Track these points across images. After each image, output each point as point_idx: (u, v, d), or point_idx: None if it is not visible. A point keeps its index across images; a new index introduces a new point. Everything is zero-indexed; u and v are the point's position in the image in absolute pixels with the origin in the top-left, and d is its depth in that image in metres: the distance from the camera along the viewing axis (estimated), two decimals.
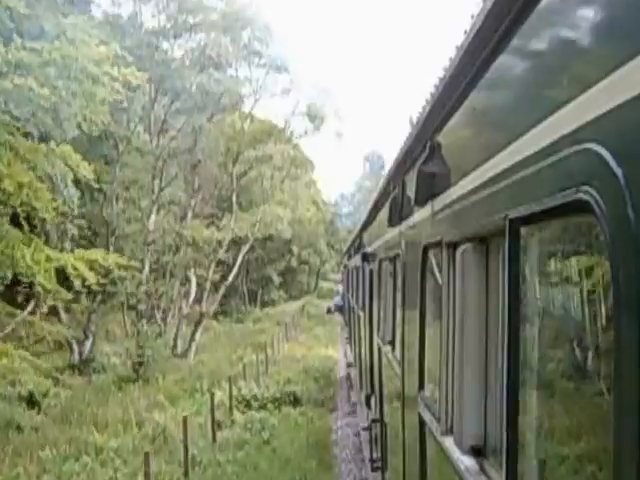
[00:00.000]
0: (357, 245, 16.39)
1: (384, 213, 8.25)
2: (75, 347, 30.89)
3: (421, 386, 4.76)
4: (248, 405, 21.15)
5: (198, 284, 39.21)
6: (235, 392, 21.17)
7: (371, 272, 11.06)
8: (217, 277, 42.28)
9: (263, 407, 21.01)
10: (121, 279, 30.96)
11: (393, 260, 7.24)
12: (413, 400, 5.02)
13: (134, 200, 35.97)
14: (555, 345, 2.46)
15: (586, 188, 1.75)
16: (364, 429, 12.56)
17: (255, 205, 44.27)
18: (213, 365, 30.46)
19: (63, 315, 30.86)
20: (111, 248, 30.94)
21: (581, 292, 2.15)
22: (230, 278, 40.73)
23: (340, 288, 41.78)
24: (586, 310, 2.09)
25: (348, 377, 23.68)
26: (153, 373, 27.97)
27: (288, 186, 50.37)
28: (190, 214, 37.73)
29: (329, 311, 38.20)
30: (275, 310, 61.88)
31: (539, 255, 2.50)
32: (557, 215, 2.12)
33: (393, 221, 6.85)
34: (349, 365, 23.14)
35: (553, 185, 2.01)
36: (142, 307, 33.50)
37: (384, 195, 8.59)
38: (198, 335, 36.35)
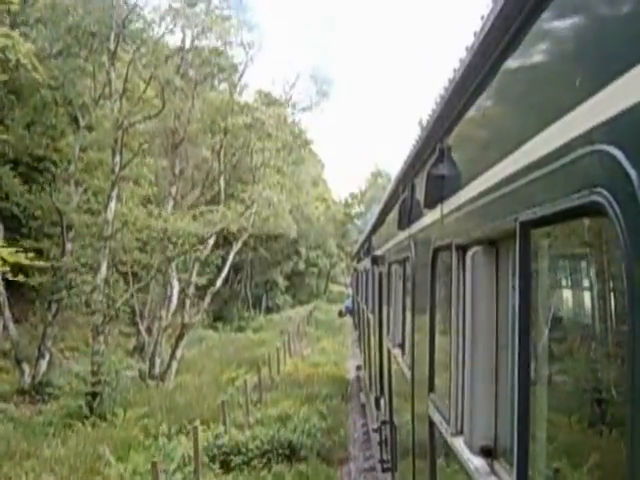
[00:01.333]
0: (366, 248, 16.38)
1: (393, 216, 8.25)
2: (26, 367, 24.87)
3: (431, 388, 4.76)
4: (226, 461, 15.32)
5: (183, 289, 32.63)
6: (212, 438, 16.32)
7: (380, 275, 11.06)
8: (208, 281, 36.93)
9: (247, 463, 15.19)
10: (75, 284, 25.50)
11: (402, 263, 7.23)
12: (423, 402, 5.02)
13: (97, 186, 29.37)
14: (566, 348, 2.46)
15: (599, 190, 1.73)
16: (374, 430, 12.54)
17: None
18: (195, 391, 24.47)
19: (12, 327, 25.31)
20: (69, 245, 26.61)
21: (593, 295, 2.15)
22: (218, 282, 33.68)
23: (350, 291, 40.53)
24: (598, 313, 2.09)
25: (357, 379, 23.69)
26: (111, 407, 21.74)
27: (287, 167, 43.08)
28: (171, 204, 31.06)
29: (341, 314, 38.34)
30: (280, 316, 57.02)
31: (550, 258, 2.49)
32: (569, 217, 2.11)
33: (402, 224, 6.84)
34: (358, 368, 23.14)
35: (565, 187, 2.00)
36: (99, 319, 25.13)
37: (393, 198, 8.59)
38: (180, 352, 29.71)
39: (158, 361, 29.21)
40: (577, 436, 2.29)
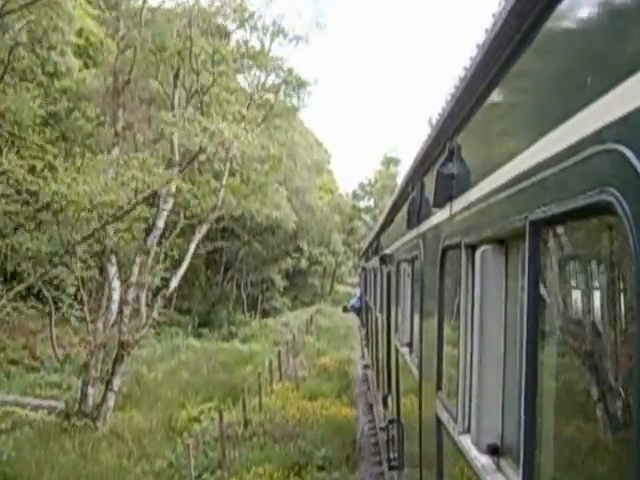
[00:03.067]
0: (375, 247, 16.40)
1: (402, 215, 8.26)
2: None
3: (438, 387, 4.77)
4: None
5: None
6: None
7: (389, 274, 11.06)
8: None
9: None
10: None
11: (411, 262, 7.24)
12: (430, 400, 5.03)
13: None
14: (574, 347, 2.46)
15: (610, 189, 1.74)
16: (381, 429, 12.56)
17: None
18: (132, 442, 17.58)
19: None
20: None
21: (603, 294, 2.14)
22: (173, 283, 24.12)
23: (357, 291, 38.51)
24: (608, 312, 2.09)
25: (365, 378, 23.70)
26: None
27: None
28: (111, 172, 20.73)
29: (345, 309, 38.11)
30: (276, 322, 48.17)
31: (560, 257, 2.49)
32: (579, 216, 2.11)
33: (411, 223, 6.85)
34: (366, 367, 23.14)
35: (576, 186, 2.00)
36: None
37: (402, 197, 8.60)
38: (117, 381, 20.95)
39: (92, 392, 20.79)
40: (583, 435, 2.29)
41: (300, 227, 52.14)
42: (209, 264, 51.05)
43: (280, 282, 58.79)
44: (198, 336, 41.21)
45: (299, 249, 60.25)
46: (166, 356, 31.96)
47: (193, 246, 26.77)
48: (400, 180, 9.51)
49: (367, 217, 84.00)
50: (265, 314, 54.05)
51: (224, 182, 26.31)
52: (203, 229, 26.93)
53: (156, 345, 34.39)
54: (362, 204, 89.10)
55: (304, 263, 63.00)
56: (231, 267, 52.65)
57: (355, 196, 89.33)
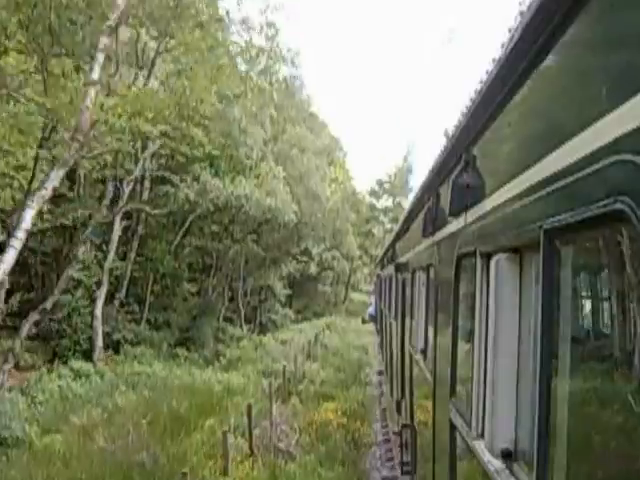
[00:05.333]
0: (390, 255, 16.47)
1: (417, 224, 8.32)
2: None
3: (452, 392, 4.81)
4: None
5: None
6: None
7: (404, 282, 11.10)
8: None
9: None
10: None
11: (426, 270, 7.28)
12: (444, 406, 5.07)
13: None
14: (587, 354, 2.48)
15: (624, 198, 1.77)
16: (395, 434, 12.56)
17: None
18: None
19: None
20: None
21: (617, 303, 2.17)
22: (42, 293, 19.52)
23: (373, 299, 36.01)
24: (621, 320, 2.10)
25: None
26: None
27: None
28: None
29: (364, 321, 37.03)
30: (277, 338, 39.53)
31: (574, 265, 2.51)
32: (593, 226, 2.14)
33: (427, 232, 6.90)
34: (380, 373, 23.15)
35: (590, 196, 2.04)
36: None
37: (417, 206, 8.65)
38: None
39: None
40: (597, 441, 2.31)
41: (303, 222, 42.69)
42: (196, 268, 42.17)
43: (281, 290, 49.25)
44: (174, 357, 32.62)
45: (307, 252, 51.32)
46: (104, 394, 23.33)
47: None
48: (415, 186, 9.55)
49: (385, 219, 77.03)
50: (262, 328, 44.91)
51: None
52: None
53: (105, 374, 26.79)
54: (380, 204, 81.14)
55: (313, 268, 54.53)
56: (217, 271, 42.87)
57: (373, 193, 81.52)
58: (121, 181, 31.28)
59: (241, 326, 43.15)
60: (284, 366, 24.18)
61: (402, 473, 9.85)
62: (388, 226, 69.83)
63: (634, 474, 1.87)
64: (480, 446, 3.55)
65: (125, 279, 33.54)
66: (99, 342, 29.50)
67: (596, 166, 2.01)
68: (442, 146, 5.51)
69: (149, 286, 35.21)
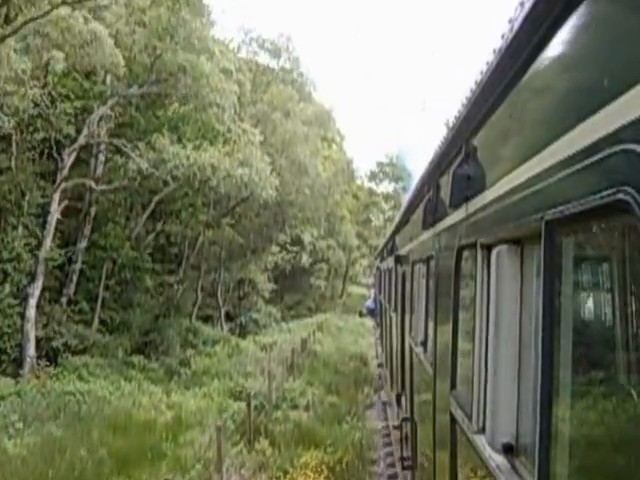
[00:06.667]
0: (390, 247, 16.47)
1: (417, 216, 8.30)
2: None
3: (453, 386, 4.80)
4: None
5: None
6: None
7: (404, 274, 11.10)
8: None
9: None
10: None
11: (426, 262, 7.27)
12: (444, 399, 5.06)
13: None
14: (589, 347, 2.48)
15: (626, 188, 1.76)
16: (395, 427, 12.60)
17: None
18: None
19: None
20: None
21: (618, 294, 2.15)
22: None
23: (372, 293, 34.60)
24: (623, 312, 2.09)
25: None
26: None
27: None
28: None
29: (361, 314, 36.14)
30: (258, 341, 33.90)
31: (576, 256, 2.51)
32: (595, 216, 2.13)
33: (427, 223, 6.88)
34: (380, 366, 23.17)
35: (592, 186, 2.02)
36: None
37: (417, 198, 8.63)
38: None
39: None
40: (599, 435, 2.30)
41: (288, 200, 35.87)
42: (163, 259, 35.04)
43: (265, 284, 42.63)
44: (130, 367, 26.33)
45: (299, 240, 44.71)
46: (4, 429, 17.46)
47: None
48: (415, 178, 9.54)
49: (386, 207, 71.95)
50: (242, 330, 38.58)
51: None
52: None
53: (27, 394, 20.49)
54: (380, 189, 75.32)
55: (305, 259, 47.54)
56: (186, 261, 36.22)
57: (372, 177, 75.53)
58: (60, 150, 26.16)
59: (221, 326, 36.96)
60: (248, 397, 17.16)
61: (402, 468, 9.87)
62: (390, 213, 66.43)
63: (636, 468, 1.86)
64: (481, 440, 3.54)
65: (75, 272, 27.76)
66: (30, 351, 23.82)
67: (598, 156, 1.99)
68: (442, 137, 5.48)
69: (102, 280, 28.74)
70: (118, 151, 27.23)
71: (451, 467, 4.75)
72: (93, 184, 27.46)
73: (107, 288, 29.43)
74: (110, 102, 25.58)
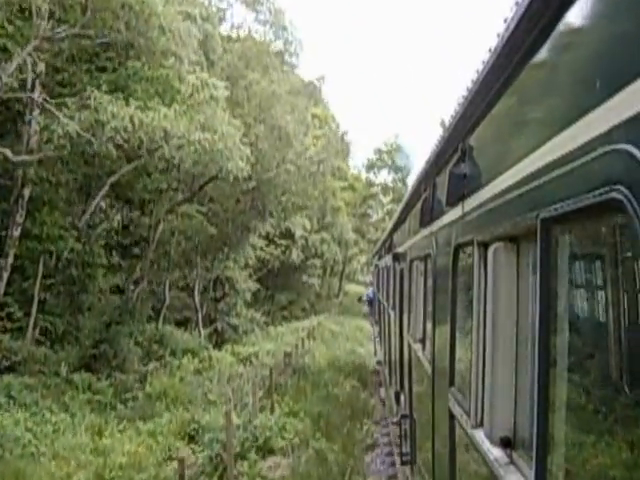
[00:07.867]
0: (388, 245, 16.50)
1: (415, 214, 8.35)
2: None
3: (451, 382, 4.83)
4: None
5: None
6: None
7: (402, 272, 11.14)
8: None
9: None
10: None
11: (424, 260, 7.30)
12: (443, 395, 5.09)
13: None
14: (585, 343, 2.50)
15: (619, 187, 1.79)
16: (394, 424, 12.64)
17: None
18: None
19: None
20: None
21: (613, 291, 2.18)
22: None
23: (370, 291, 35.86)
24: (618, 309, 2.11)
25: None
26: None
27: None
28: None
29: (360, 300, 38.25)
30: (236, 352, 28.34)
31: (571, 254, 2.53)
32: (590, 214, 2.16)
33: (424, 221, 6.92)
34: (378, 363, 23.21)
35: (586, 185, 2.05)
36: None
37: (414, 197, 8.67)
38: None
39: None
40: (596, 429, 2.32)
41: (266, 178, 28.67)
42: (122, 253, 28.97)
43: (247, 283, 36.11)
44: (73, 387, 20.08)
45: (289, 234, 39.18)
46: None
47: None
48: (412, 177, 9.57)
49: (385, 200, 68.80)
50: (219, 338, 32.36)
51: None
52: None
53: None
54: (379, 179, 71.27)
55: (296, 254, 41.98)
56: (139, 257, 29.60)
57: (371, 166, 70.98)
58: None
59: (199, 331, 31.16)
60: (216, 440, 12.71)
61: (402, 464, 9.92)
62: (389, 207, 64.24)
63: (634, 462, 1.89)
64: (479, 435, 3.58)
65: (5, 269, 21.67)
66: None
67: (592, 155, 2.02)
68: (439, 136, 5.52)
69: (39, 278, 22.79)
70: (43, 112, 20.56)
71: (450, 462, 4.79)
72: (9, 153, 20.35)
73: (49, 288, 23.58)
74: (30, 46, 19.21)
